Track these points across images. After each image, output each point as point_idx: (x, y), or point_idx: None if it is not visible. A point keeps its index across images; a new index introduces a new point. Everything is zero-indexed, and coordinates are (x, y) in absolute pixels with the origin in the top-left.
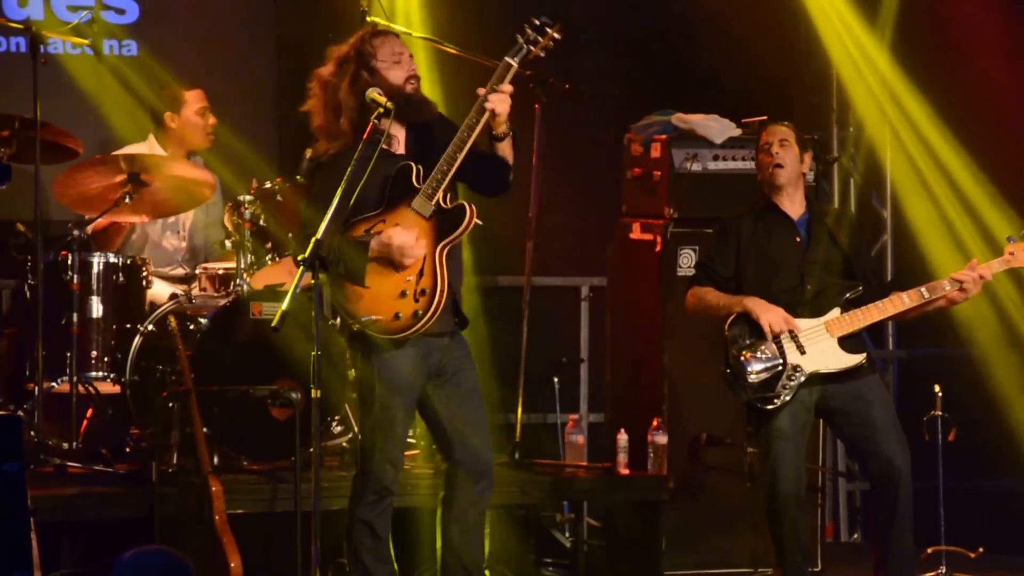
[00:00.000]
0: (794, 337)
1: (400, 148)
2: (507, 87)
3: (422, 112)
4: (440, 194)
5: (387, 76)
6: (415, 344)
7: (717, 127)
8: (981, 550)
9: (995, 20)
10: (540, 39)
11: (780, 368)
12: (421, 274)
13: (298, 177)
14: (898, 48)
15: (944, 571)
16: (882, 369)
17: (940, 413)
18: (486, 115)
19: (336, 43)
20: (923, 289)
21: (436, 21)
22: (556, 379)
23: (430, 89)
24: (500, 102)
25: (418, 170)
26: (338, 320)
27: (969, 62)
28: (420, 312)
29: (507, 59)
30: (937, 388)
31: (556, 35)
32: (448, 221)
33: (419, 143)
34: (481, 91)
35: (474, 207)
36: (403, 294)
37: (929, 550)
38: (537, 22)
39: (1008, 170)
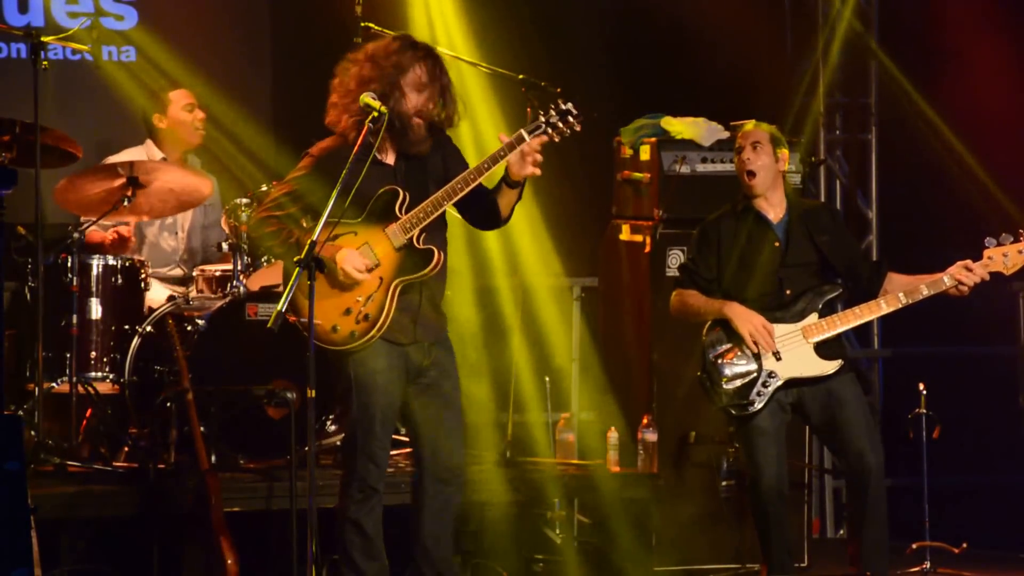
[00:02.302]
0: None
1: (389, 159)
2: (528, 146)
3: (412, 148)
4: (416, 231)
5: (404, 97)
6: (388, 344)
7: (705, 130)
8: (965, 545)
9: (984, 20)
10: (560, 125)
11: (755, 375)
12: (371, 299)
13: None
14: (887, 45)
15: (928, 566)
16: (867, 367)
17: (924, 411)
18: (484, 175)
19: (349, 42)
20: (900, 294)
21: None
22: (547, 378)
23: None
24: (522, 165)
25: (404, 198)
26: None
27: (959, 61)
28: (356, 334)
29: (522, 131)
30: (921, 386)
31: (576, 127)
32: (413, 260)
33: (409, 162)
34: (515, 162)
35: (443, 256)
36: (347, 311)
37: (914, 545)
38: (564, 107)
39: (1000, 168)
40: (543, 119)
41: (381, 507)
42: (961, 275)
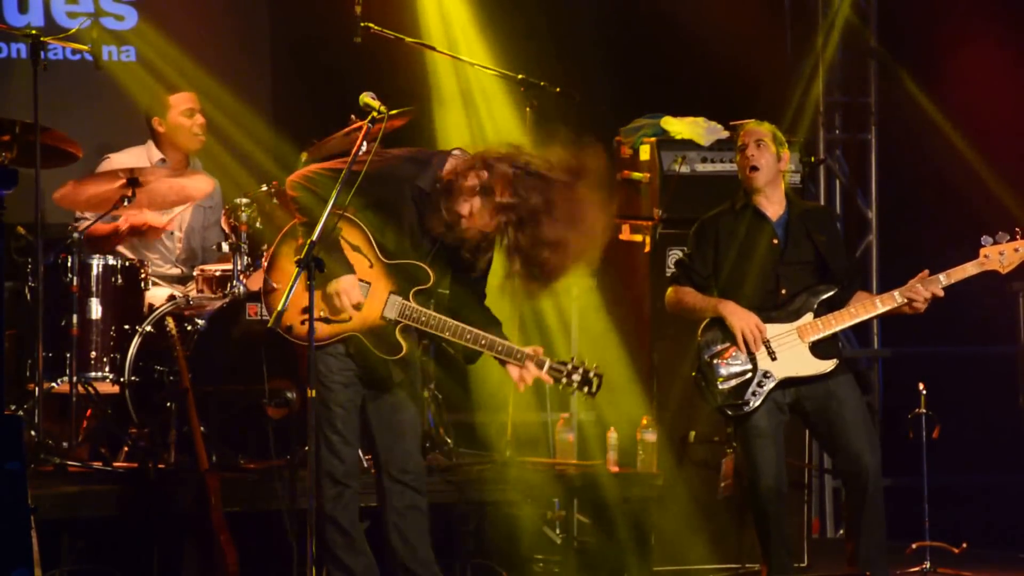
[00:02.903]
0: (766, 343)
1: (438, 224)
2: (531, 375)
3: (466, 261)
4: (404, 322)
5: (482, 212)
6: (345, 343)
7: (705, 130)
8: (965, 545)
9: (983, 18)
10: (574, 385)
11: (750, 375)
12: (330, 322)
13: None
14: (886, 43)
15: (928, 566)
16: (867, 367)
17: (924, 411)
18: (500, 358)
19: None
20: (896, 293)
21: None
22: None
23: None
24: (515, 371)
25: (429, 285)
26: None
27: (958, 60)
28: (293, 330)
29: (547, 361)
30: (921, 386)
31: (593, 392)
32: (385, 338)
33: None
34: (525, 372)
35: (403, 357)
36: (304, 310)
37: (914, 545)
38: (591, 376)
39: (1000, 167)
40: (569, 368)
41: (356, 503)
42: (911, 292)
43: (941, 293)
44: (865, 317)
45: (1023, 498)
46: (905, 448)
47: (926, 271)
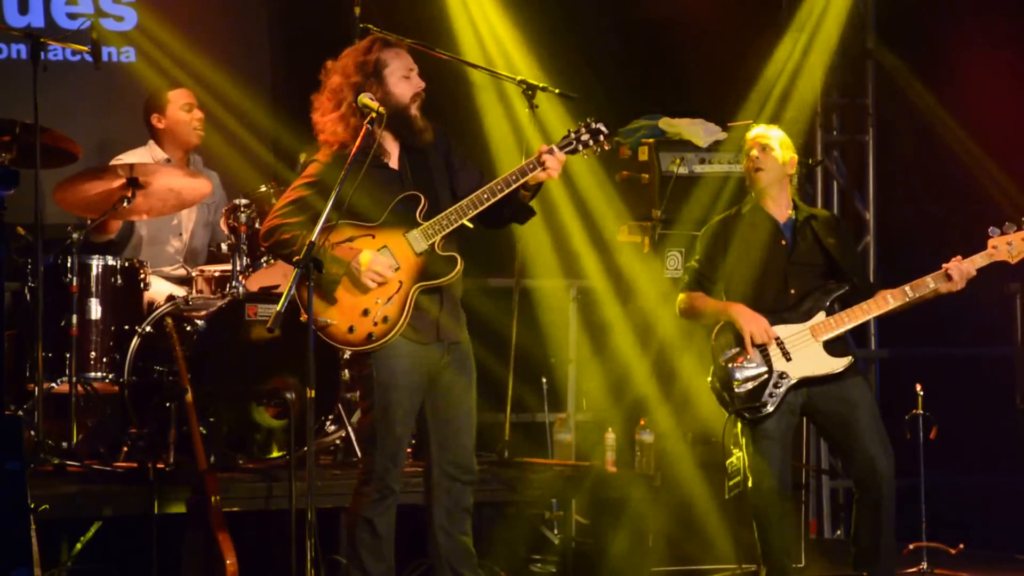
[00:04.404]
0: (779, 344)
1: (393, 162)
2: (552, 160)
3: (419, 138)
4: (438, 238)
5: (394, 90)
6: (411, 346)
7: (703, 131)
8: (962, 546)
9: (982, 17)
10: (591, 143)
11: (766, 376)
12: (390, 301)
13: None
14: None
15: (925, 567)
16: (865, 368)
17: (922, 412)
18: (521, 181)
19: (348, 44)
20: (907, 288)
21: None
22: (544, 379)
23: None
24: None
25: (424, 204)
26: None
27: (957, 59)
28: (374, 336)
29: (553, 147)
30: (919, 387)
31: (605, 146)
32: (435, 265)
33: (413, 162)
34: (547, 160)
35: (463, 263)
36: (365, 312)
37: (911, 546)
38: (594, 126)
39: (998, 167)
40: (573, 136)
41: (395, 508)
42: (950, 266)
43: (974, 270)
44: (877, 313)
45: (1020, 499)
46: (903, 449)
47: (959, 256)
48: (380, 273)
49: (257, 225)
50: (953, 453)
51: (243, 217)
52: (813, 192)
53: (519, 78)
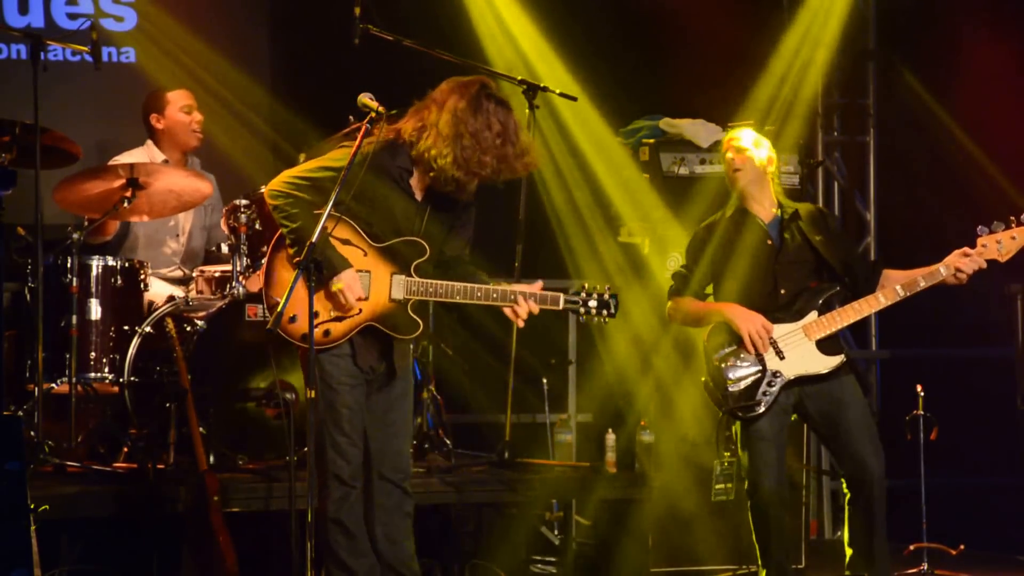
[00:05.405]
0: (773, 343)
1: (419, 194)
2: (534, 309)
3: (454, 193)
4: (415, 298)
5: (486, 160)
6: (351, 345)
7: (704, 131)
8: (963, 547)
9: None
10: (592, 313)
11: (760, 375)
12: (340, 320)
13: None
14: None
15: (926, 568)
16: (865, 369)
17: (922, 412)
18: (508, 305)
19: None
20: (898, 287)
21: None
22: (545, 380)
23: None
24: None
25: (426, 258)
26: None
27: (957, 59)
28: (306, 338)
29: (560, 296)
30: (919, 388)
31: (605, 321)
32: (398, 319)
33: (437, 203)
34: (517, 308)
35: (424, 330)
36: (315, 314)
37: (911, 547)
38: (607, 298)
39: (998, 167)
40: (582, 302)
41: (360, 504)
42: (959, 262)
43: (984, 264)
44: (869, 312)
45: (1021, 500)
46: (903, 450)
47: (966, 248)
48: (347, 299)
49: (257, 226)
50: (954, 454)
51: (243, 217)
52: (814, 192)
53: (519, 78)
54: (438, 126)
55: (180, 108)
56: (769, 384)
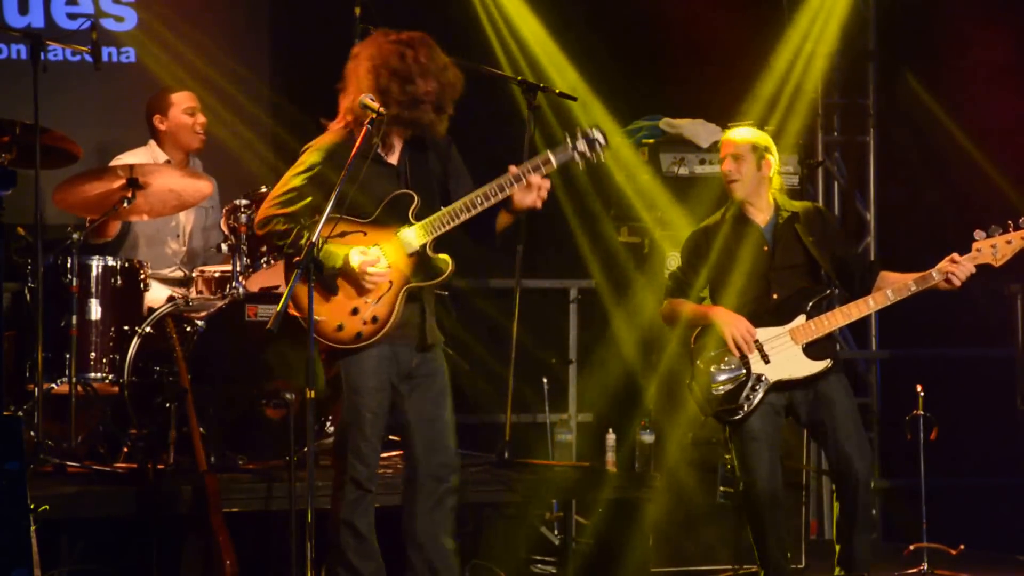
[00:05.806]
0: (759, 346)
1: (394, 158)
2: (536, 179)
3: (428, 131)
4: (430, 239)
5: (417, 83)
6: (380, 345)
7: (704, 131)
8: (962, 547)
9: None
10: (588, 152)
11: (744, 379)
12: (379, 301)
13: None
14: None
15: (926, 568)
16: (865, 369)
17: (922, 412)
18: (506, 193)
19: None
20: (888, 291)
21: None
22: (545, 379)
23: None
24: (525, 195)
25: (417, 204)
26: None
27: (957, 59)
28: (363, 335)
29: (549, 153)
30: (919, 388)
31: (602, 156)
32: (427, 266)
33: (414, 160)
34: (513, 169)
35: (454, 265)
36: (355, 311)
37: (911, 547)
38: (591, 135)
39: (998, 167)
40: (569, 145)
41: (373, 508)
42: (949, 268)
43: (974, 269)
44: (858, 317)
45: (1021, 500)
46: (903, 450)
47: (955, 254)
48: (374, 276)
49: None
50: (954, 454)
51: (243, 217)
52: (814, 192)
53: (519, 78)
54: (359, 81)
55: (183, 110)
56: (753, 388)
